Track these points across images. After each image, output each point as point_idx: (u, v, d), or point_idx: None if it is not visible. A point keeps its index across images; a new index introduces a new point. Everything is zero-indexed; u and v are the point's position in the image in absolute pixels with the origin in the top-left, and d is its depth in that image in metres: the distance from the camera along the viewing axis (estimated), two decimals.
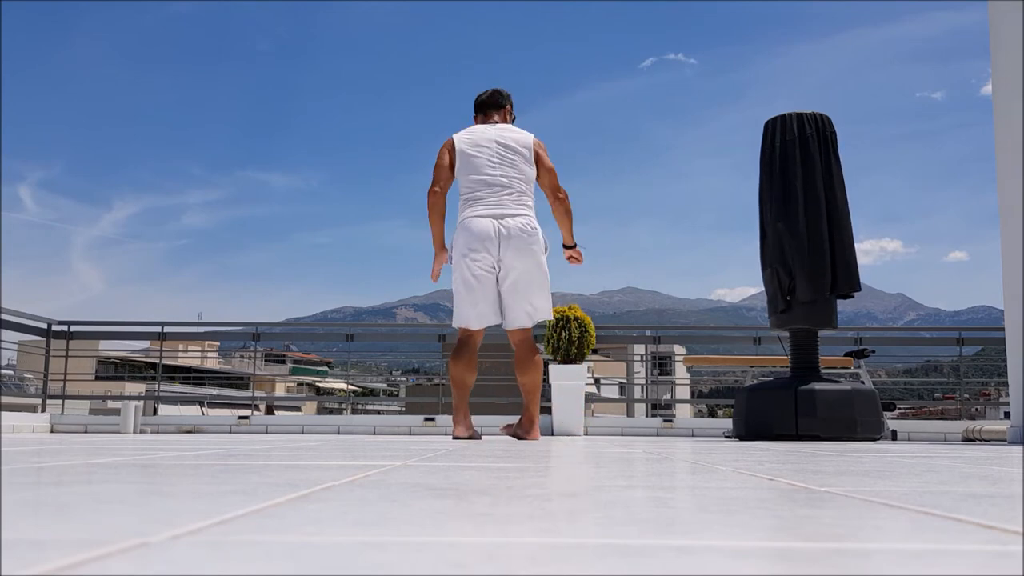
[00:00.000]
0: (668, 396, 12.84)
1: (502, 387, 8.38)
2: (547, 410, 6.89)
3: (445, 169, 4.19)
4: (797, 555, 0.57)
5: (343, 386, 16.08)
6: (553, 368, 6.47)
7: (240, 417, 7.16)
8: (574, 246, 4.40)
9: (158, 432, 6.53)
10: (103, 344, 9.08)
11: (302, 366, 50.09)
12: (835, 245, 5.14)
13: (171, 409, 13.74)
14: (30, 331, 7.73)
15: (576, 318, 6.47)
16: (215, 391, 27.44)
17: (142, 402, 7.93)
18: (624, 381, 10.13)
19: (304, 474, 1.34)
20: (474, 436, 4.15)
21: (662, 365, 13.37)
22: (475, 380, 4.25)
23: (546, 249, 4.16)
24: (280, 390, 38.37)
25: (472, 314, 4.11)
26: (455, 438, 4.10)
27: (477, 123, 4.44)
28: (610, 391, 18.52)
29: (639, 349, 9.14)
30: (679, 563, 0.52)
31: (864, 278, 5.51)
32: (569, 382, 6.39)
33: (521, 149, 4.17)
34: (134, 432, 6.59)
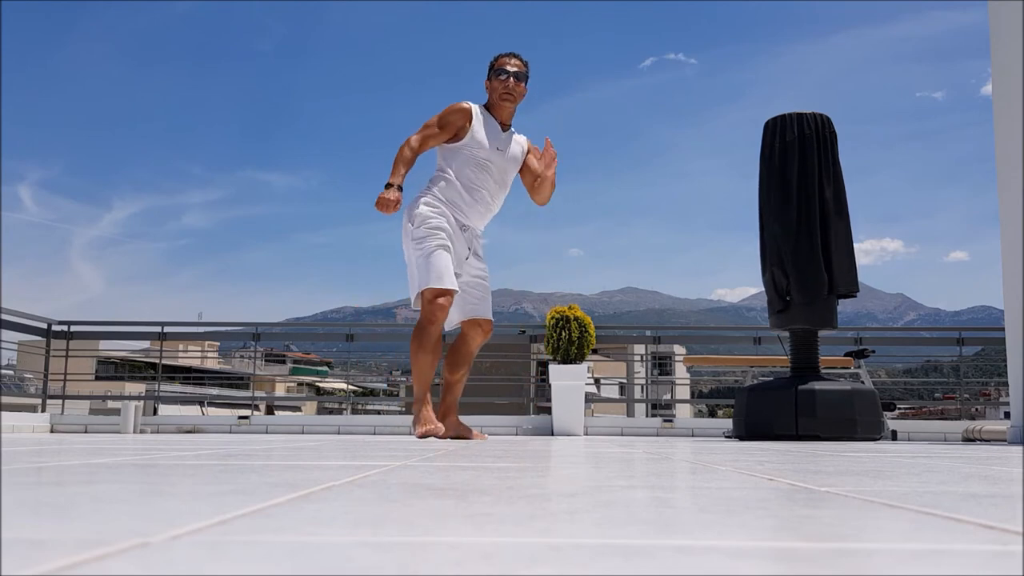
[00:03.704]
0: (668, 396, 12.83)
1: (503, 387, 8.38)
2: (547, 410, 6.89)
3: None
4: (797, 555, 0.57)
5: (343, 386, 16.08)
6: (553, 368, 6.47)
7: (240, 417, 7.16)
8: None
9: (158, 432, 6.53)
10: (103, 344, 9.08)
11: (302, 366, 50.08)
12: (832, 247, 5.14)
13: (171, 409, 13.74)
14: (30, 331, 7.73)
15: (576, 318, 6.47)
16: (215, 391, 27.42)
17: (142, 402, 7.92)
18: (624, 381, 10.13)
19: (304, 474, 1.34)
20: (455, 436, 4.03)
21: (662, 365, 13.36)
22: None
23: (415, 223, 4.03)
24: (280, 390, 38.35)
25: None
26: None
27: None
28: (610, 391, 18.51)
29: (639, 349, 9.13)
30: (679, 563, 0.52)
31: (864, 278, 5.52)
32: (569, 382, 6.39)
33: None
34: (134, 432, 6.59)
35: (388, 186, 3.99)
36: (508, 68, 4.16)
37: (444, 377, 4.28)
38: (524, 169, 4.30)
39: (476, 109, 4.15)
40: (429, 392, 4.04)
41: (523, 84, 4.21)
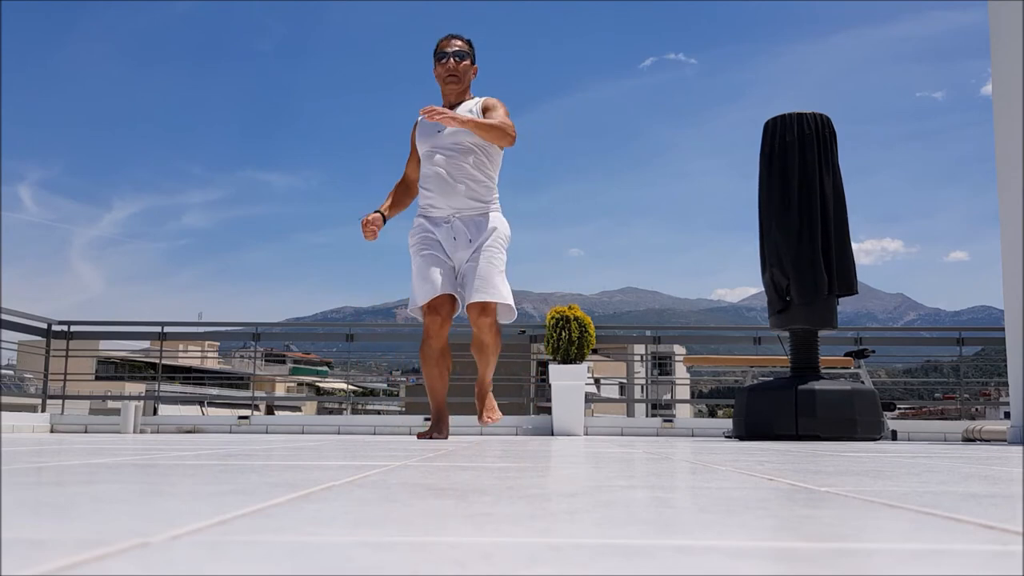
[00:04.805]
0: (668, 396, 12.83)
1: (503, 387, 8.38)
2: (547, 410, 6.89)
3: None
4: (797, 555, 0.57)
5: (343, 386, 16.08)
6: (553, 368, 6.47)
7: (240, 417, 7.16)
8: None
9: (158, 432, 6.53)
10: (103, 344, 9.08)
11: (302, 366, 50.11)
12: (831, 248, 5.14)
13: (171, 409, 13.73)
14: (30, 331, 7.73)
15: (576, 318, 6.47)
16: (215, 391, 27.42)
17: (142, 402, 7.92)
18: (624, 381, 10.13)
19: (304, 474, 1.34)
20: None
21: (662, 365, 13.36)
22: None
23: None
24: (280, 390, 38.35)
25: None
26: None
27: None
28: (610, 391, 18.51)
29: (639, 349, 9.14)
30: (679, 563, 0.52)
31: (864, 278, 5.54)
32: (569, 382, 6.39)
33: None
34: (134, 432, 6.59)
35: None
36: (448, 50, 4.12)
37: None
38: None
39: (422, 117, 4.18)
40: (443, 404, 4.07)
41: (466, 61, 4.13)
